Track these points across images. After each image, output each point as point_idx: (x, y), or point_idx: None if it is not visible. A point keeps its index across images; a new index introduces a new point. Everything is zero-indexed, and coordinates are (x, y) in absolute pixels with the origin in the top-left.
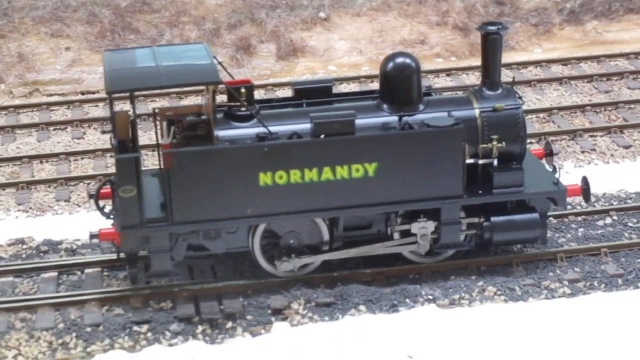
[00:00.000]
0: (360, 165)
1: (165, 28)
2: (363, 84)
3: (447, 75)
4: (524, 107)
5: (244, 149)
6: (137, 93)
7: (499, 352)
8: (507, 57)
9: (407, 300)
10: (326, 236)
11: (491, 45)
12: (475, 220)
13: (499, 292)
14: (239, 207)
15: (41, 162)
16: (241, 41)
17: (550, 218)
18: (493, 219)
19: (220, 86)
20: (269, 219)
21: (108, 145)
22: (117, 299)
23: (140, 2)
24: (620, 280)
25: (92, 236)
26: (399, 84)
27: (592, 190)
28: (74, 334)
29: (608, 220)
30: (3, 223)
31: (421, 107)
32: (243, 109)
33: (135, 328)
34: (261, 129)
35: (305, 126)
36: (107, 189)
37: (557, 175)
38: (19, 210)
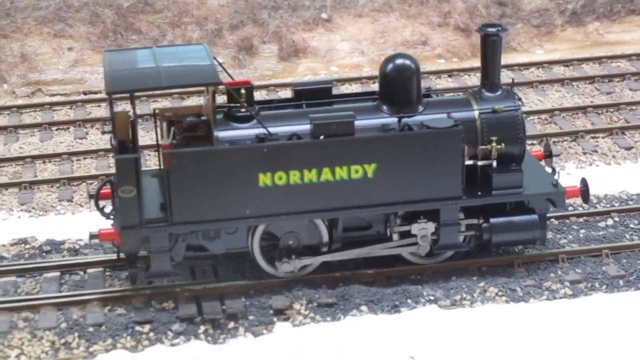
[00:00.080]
0: (360, 166)
1: (168, 28)
2: (365, 84)
3: (449, 76)
4: (525, 109)
5: (244, 149)
6: (138, 94)
7: (501, 352)
8: (508, 58)
9: (409, 300)
10: (325, 237)
11: (491, 46)
12: (475, 221)
13: (500, 293)
14: (239, 208)
15: (44, 162)
16: (243, 42)
17: (552, 219)
18: (492, 220)
19: (220, 87)
20: (269, 220)
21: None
22: (120, 299)
23: (142, 3)
24: (621, 282)
25: (91, 236)
26: (399, 86)
27: (594, 191)
28: (76, 334)
29: (609, 222)
30: (6, 223)
31: (421, 108)
32: (243, 109)
33: (138, 328)
34: (261, 130)
35: (304, 127)
36: (107, 190)
37: (556, 177)
38: (21, 210)
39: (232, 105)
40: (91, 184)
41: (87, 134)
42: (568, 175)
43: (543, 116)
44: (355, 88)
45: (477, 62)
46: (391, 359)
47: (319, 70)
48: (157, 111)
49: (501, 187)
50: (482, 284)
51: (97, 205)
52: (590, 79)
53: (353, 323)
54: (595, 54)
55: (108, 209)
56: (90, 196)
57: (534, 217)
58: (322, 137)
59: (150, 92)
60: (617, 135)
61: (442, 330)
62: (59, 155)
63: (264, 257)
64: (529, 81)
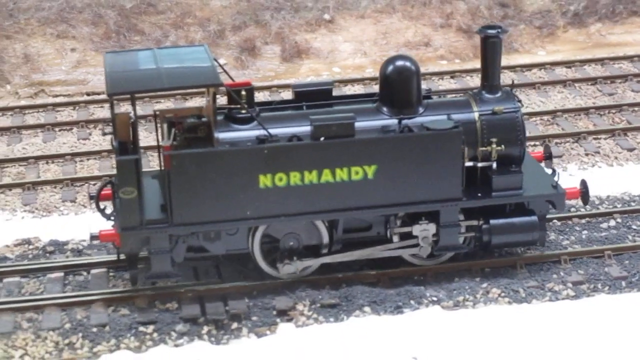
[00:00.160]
0: (360, 168)
1: (170, 29)
2: (367, 85)
3: (451, 77)
4: (527, 110)
5: (244, 151)
6: (139, 95)
7: (503, 353)
8: (510, 60)
9: (412, 301)
10: (326, 238)
11: (491, 48)
12: (474, 222)
13: (503, 294)
14: (239, 209)
15: (47, 163)
16: (246, 43)
17: (554, 220)
18: (492, 221)
19: (221, 88)
20: (269, 221)
21: None
22: (123, 300)
23: (145, 4)
24: (623, 283)
25: (92, 237)
26: (399, 87)
27: (596, 192)
28: (80, 334)
29: (612, 223)
30: (9, 223)
31: (421, 110)
32: (243, 111)
33: (141, 328)
34: (261, 132)
35: (305, 129)
36: (107, 190)
37: (556, 178)
38: (25, 211)
39: (232, 106)
40: (94, 184)
41: (90, 134)
42: (570, 177)
43: (545, 117)
44: (357, 89)
45: (479, 64)
46: (394, 359)
47: (322, 71)
48: (157, 112)
49: (501, 189)
50: (484, 285)
51: (97, 206)
52: (593, 80)
53: (356, 324)
54: (598, 55)
55: (109, 210)
56: (91, 197)
57: (534, 218)
58: (322, 138)
59: (151, 94)
60: (619, 136)
61: (445, 331)
62: (62, 156)
63: (265, 259)
64: (531, 82)
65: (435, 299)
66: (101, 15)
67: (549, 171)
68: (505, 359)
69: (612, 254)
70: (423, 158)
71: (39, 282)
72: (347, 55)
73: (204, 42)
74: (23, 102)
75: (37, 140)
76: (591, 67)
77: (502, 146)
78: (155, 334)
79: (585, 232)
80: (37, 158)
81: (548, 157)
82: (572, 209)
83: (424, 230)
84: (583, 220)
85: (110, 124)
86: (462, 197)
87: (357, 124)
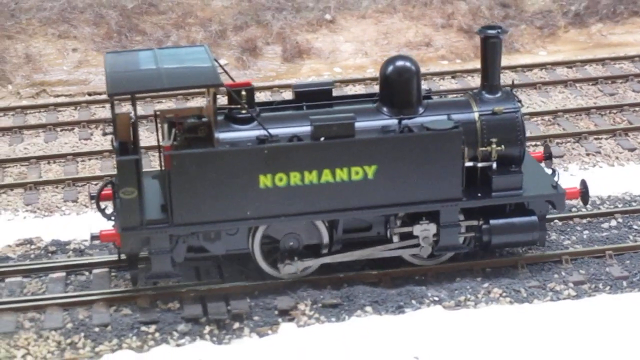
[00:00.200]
0: (360, 168)
1: (172, 30)
2: (368, 85)
3: (452, 77)
4: (528, 110)
5: (245, 151)
6: (140, 95)
7: (505, 353)
8: (512, 60)
9: (413, 301)
10: (326, 238)
11: (490, 48)
12: (474, 223)
13: (504, 294)
14: (239, 209)
15: (49, 163)
16: (247, 43)
17: (556, 220)
18: (492, 221)
19: (221, 88)
20: (269, 221)
21: None
22: (125, 300)
23: (146, 4)
24: (625, 283)
25: (92, 237)
26: (399, 87)
27: (597, 192)
28: (82, 334)
29: (613, 223)
30: (11, 223)
31: (421, 110)
32: (243, 111)
33: (143, 328)
34: (261, 132)
35: (305, 129)
36: (108, 191)
37: (556, 178)
38: (27, 211)
39: (232, 106)
40: (96, 184)
41: (91, 134)
42: (572, 177)
43: (546, 117)
44: (358, 89)
45: (480, 64)
46: (396, 359)
47: (323, 71)
48: (158, 113)
49: (501, 189)
50: (486, 284)
51: (98, 206)
52: (594, 81)
53: (358, 324)
54: (598, 56)
55: (109, 210)
56: (92, 197)
57: (534, 218)
58: (322, 138)
59: (152, 94)
60: (620, 136)
61: (447, 331)
62: (63, 156)
63: (265, 259)
64: (532, 82)
65: (436, 298)
66: (102, 15)
67: (549, 171)
68: (507, 359)
69: (613, 254)
70: (423, 158)
71: (41, 282)
72: (348, 56)
73: (206, 42)
74: (25, 102)
75: (38, 140)
76: (592, 67)
77: (502, 146)
78: (157, 334)
79: (586, 232)
80: (39, 158)
81: (548, 157)
82: (574, 209)
83: (425, 230)
84: (584, 220)
85: (111, 124)
86: (462, 197)
87: (357, 124)
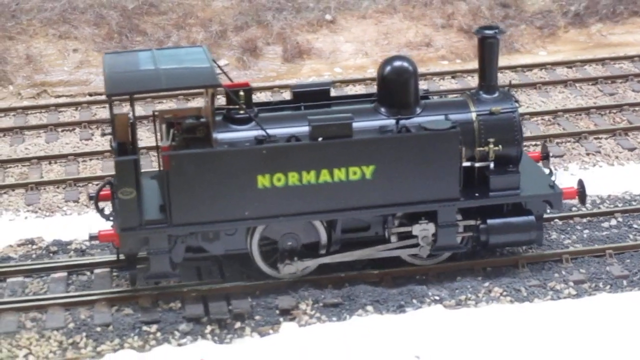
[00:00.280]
0: (358, 168)
1: (172, 30)
2: (369, 86)
3: (452, 77)
4: (529, 110)
5: (243, 151)
6: (139, 96)
7: (505, 352)
8: (512, 60)
9: (414, 300)
10: (324, 238)
11: (488, 49)
12: (472, 222)
13: (504, 293)
14: (237, 209)
15: (50, 163)
16: (247, 43)
17: (556, 220)
18: (489, 221)
19: (219, 89)
20: (267, 221)
21: None
22: (127, 299)
23: (147, 4)
24: (625, 282)
25: (91, 237)
26: (397, 88)
27: (597, 192)
28: (84, 334)
29: (613, 222)
30: (13, 223)
31: (418, 110)
32: (242, 111)
33: (145, 328)
34: (260, 132)
35: (303, 129)
36: (107, 191)
37: (553, 178)
38: (28, 211)
39: (231, 107)
40: (97, 184)
41: (92, 135)
42: (572, 176)
43: (546, 117)
44: (359, 89)
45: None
46: (397, 358)
47: (323, 71)
48: (156, 113)
49: (498, 189)
50: (486, 284)
51: (96, 206)
52: (593, 80)
53: (359, 323)
54: (598, 56)
55: (108, 210)
56: (90, 197)
57: (531, 218)
58: (320, 139)
59: (154, 94)
60: (620, 136)
61: (447, 330)
62: (64, 156)
63: (264, 259)
64: (532, 82)
65: (437, 298)
66: (103, 16)
67: (547, 171)
68: (508, 358)
69: (613, 253)
70: (421, 158)
71: (42, 281)
72: (349, 56)
73: (206, 42)
74: (26, 103)
75: (39, 140)
76: (592, 67)
77: (500, 146)
78: (158, 334)
79: (586, 231)
80: (40, 158)
81: (545, 157)
82: (574, 209)
83: (424, 230)
84: (584, 220)
85: (109, 124)
86: (460, 197)
87: (355, 124)
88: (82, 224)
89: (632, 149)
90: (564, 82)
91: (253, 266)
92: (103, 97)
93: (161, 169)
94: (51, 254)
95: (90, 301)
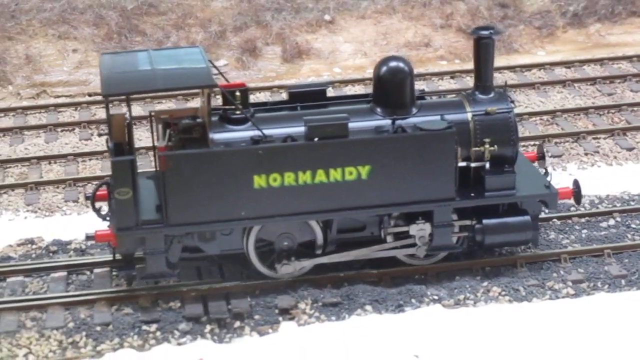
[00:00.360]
0: (354, 168)
1: (172, 30)
2: (368, 86)
3: (451, 77)
4: (527, 110)
5: (239, 151)
6: (135, 96)
7: (504, 351)
8: (510, 60)
9: (413, 300)
10: (320, 238)
11: (484, 49)
12: (468, 222)
13: (503, 293)
14: (234, 210)
15: (49, 163)
16: (247, 43)
17: (554, 219)
18: (485, 221)
19: (216, 89)
20: (263, 221)
21: None
22: (126, 299)
23: (146, 5)
24: (623, 281)
25: (88, 237)
26: (392, 88)
27: (596, 192)
28: (83, 333)
29: (611, 222)
30: (12, 223)
31: (414, 110)
32: (238, 112)
33: (145, 327)
34: (256, 132)
35: (299, 129)
36: (103, 191)
37: (548, 179)
38: (28, 211)
39: (227, 107)
40: (96, 184)
41: (92, 135)
42: (570, 176)
43: (545, 117)
44: (358, 89)
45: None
46: (396, 358)
47: (322, 71)
48: (153, 113)
49: (494, 189)
50: (485, 283)
51: (93, 206)
52: (592, 80)
53: (358, 322)
54: (597, 56)
55: (105, 210)
56: (87, 198)
57: (527, 218)
58: (316, 139)
59: (154, 95)
60: (618, 136)
61: (446, 330)
62: (64, 156)
63: (260, 259)
64: (531, 82)
65: (436, 297)
66: (102, 16)
67: (542, 171)
68: (506, 357)
69: (611, 252)
70: (416, 158)
71: (42, 281)
72: (348, 56)
73: (205, 43)
74: (25, 103)
75: (39, 140)
76: (590, 67)
77: (495, 146)
78: (158, 333)
79: (585, 231)
80: (40, 158)
81: (541, 157)
82: (572, 208)
83: (421, 230)
84: (583, 220)
85: (106, 125)
86: (456, 197)
87: (351, 125)
88: (81, 223)
89: (630, 149)
90: (563, 82)
91: (252, 266)
92: (102, 98)
93: (158, 169)
94: (51, 254)
95: (90, 300)
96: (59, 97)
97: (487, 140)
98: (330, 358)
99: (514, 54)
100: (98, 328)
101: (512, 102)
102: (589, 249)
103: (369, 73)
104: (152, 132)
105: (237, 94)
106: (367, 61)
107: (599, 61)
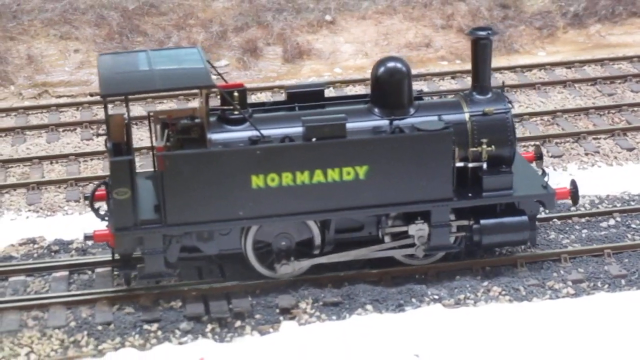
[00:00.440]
0: (351, 168)
1: (173, 30)
2: (368, 86)
3: (452, 78)
4: (527, 110)
5: (237, 152)
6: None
7: (504, 351)
8: (511, 60)
9: (413, 300)
10: (318, 238)
11: (481, 50)
12: (465, 222)
13: (503, 292)
14: (232, 209)
15: (51, 163)
16: (248, 44)
17: (555, 219)
18: (482, 221)
19: (214, 90)
20: (261, 221)
21: None
22: (128, 298)
23: (148, 5)
24: (623, 281)
25: (86, 237)
26: (390, 88)
27: (596, 192)
28: (85, 332)
29: (611, 222)
30: (14, 223)
31: (412, 110)
32: (236, 112)
33: (146, 326)
34: (254, 132)
35: (297, 129)
36: (102, 191)
37: (546, 179)
38: (29, 211)
39: (225, 107)
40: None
41: (93, 135)
42: (570, 176)
43: (545, 117)
44: (359, 89)
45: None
46: (396, 357)
47: (323, 72)
48: (151, 114)
49: (491, 189)
50: (485, 283)
51: (92, 206)
52: (592, 81)
53: (358, 322)
54: (597, 56)
55: (103, 210)
56: (85, 197)
57: (524, 218)
58: (314, 139)
59: (155, 95)
60: (618, 136)
61: (447, 329)
62: (66, 156)
63: (258, 259)
64: (532, 83)
65: (436, 297)
66: (104, 16)
67: (540, 172)
68: (506, 357)
69: (611, 252)
70: (414, 159)
71: (44, 280)
72: (349, 56)
73: (206, 43)
74: (27, 103)
75: (41, 140)
76: (591, 67)
77: (493, 147)
78: (159, 332)
79: (585, 230)
80: (41, 158)
81: (539, 157)
82: (572, 208)
83: (420, 230)
84: (583, 219)
85: (104, 125)
86: (453, 197)
87: (349, 125)
88: (83, 223)
89: (630, 149)
90: (563, 83)
91: (250, 266)
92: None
93: (156, 169)
94: (52, 253)
95: (91, 300)
96: (60, 97)
97: (484, 140)
98: (331, 357)
99: (515, 54)
100: (99, 327)
101: (510, 102)
102: (589, 248)
103: (370, 73)
104: (150, 133)
105: (235, 94)
106: (368, 61)
107: (600, 61)
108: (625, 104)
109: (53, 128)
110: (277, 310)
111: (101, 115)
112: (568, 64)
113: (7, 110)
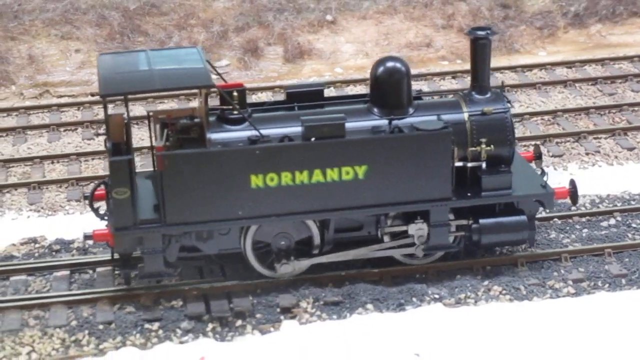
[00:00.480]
0: (351, 168)
1: (174, 30)
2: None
3: (453, 77)
4: (528, 110)
5: (236, 151)
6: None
7: (504, 350)
8: (511, 60)
9: (414, 299)
10: (317, 238)
11: (480, 50)
12: (464, 222)
13: (504, 292)
14: (231, 209)
15: (52, 163)
16: (249, 44)
17: (555, 219)
18: (481, 221)
19: (213, 89)
20: (260, 221)
21: None
22: (129, 297)
23: (149, 5)
24: (623, 280)
25: (86, 237)
26: (389, 88)
27: (597, 191)
28: (86, 332)
29: (612, 221)
30: (15, 222)
31: (411, 110)
32: (235, 112)
33: (147, 326)
34: (253, 132)
35: (296, 129)
36: (101, 191)
37: (545, 178)
38: (30, 210)
39: (224, 107)
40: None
41: (94, 134)
42: (571, 175)
43: (546, 117)
44: (359, 89)
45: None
46: (396, 356)
47: (324, 71)
48: (151, 114)
49: (490, 189)
50: (486, 282)
51: (91, 206)
52: (593, 81)
53: (359, 321)
54: (598, 56)
55: (103, 209)
56: (85, 197)
57: (523, 218)
58: (313, 139)
59: (156, 95)
60: (619, 136)
61: (447, 328)
62: (67, 155)
63: (257, 258)
64: (532, 82)
65: (437, 296)
66: (105, 16)
67: (539, 171)
68: (507, 356)
69: (612, 252)
70: (413, 158)
71: (45, 280)
72: (349, 56)
73: (207, 43)
74: (28, 103)
75: (42, 140)
76: (591, 67)
77: (492, 146)
78: (160, 331)
79: (585, 230)
80: (43, 158)
81: (538, 157)
82: (573, 208)
83: (420, 229)
84: (583, 219)
85: (104, 125)
86: (452, 196)
87: (348, 125)
88: (84, 223)
89: (631, 149)
90: (564, 82)
91: (250, 265)
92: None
93: (155, 169)
94: (54, 253)
95: (92, 299)
96: (61, 97)
97: (483, 140)
98: (332, 356)
99: (515, 54)
100: (101, 326)
101: (509, 102)
102: (589, 248)
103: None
104: (150, 132)
105: (235, 94)
106: (369, 61)
107: (600, 61)
108: (626, 104)
109: (54, 128)
110: (278, 310)
111: (102, 115)
112: (569, 64)
113: (9, 110)
